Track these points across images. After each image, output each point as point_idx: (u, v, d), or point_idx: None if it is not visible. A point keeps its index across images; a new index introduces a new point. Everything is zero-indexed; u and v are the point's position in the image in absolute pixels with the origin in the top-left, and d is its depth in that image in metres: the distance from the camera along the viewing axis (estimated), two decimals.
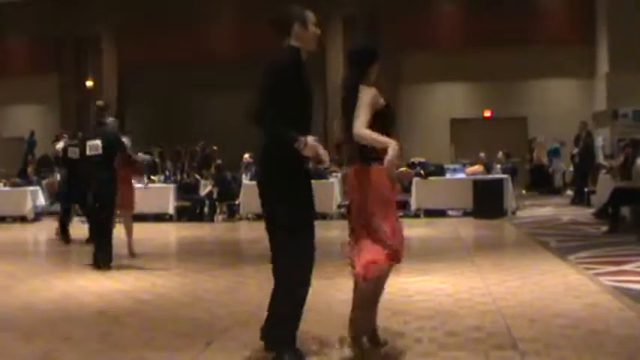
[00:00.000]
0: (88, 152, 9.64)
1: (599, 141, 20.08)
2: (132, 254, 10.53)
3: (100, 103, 10.45)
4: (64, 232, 13.13)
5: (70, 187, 13.22)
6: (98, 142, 9.54)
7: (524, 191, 22.07)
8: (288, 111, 4.56)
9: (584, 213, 15.48)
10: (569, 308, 6.30)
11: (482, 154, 18.67)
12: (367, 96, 4.91)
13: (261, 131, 4.65)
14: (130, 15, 25.74)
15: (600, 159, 18.58)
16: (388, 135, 4.86)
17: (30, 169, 21.26)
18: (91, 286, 8.28)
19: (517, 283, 7.62)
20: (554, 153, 22.53)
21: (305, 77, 4.76)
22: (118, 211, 10.50)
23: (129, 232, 10.74)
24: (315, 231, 4.79)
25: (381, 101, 5.01)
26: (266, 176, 4.77)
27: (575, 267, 8.58)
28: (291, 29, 4.78)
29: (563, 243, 10.91)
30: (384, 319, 5.94)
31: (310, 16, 4.85)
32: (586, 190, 17.86)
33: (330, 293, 7.08)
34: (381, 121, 4.95)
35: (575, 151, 19.28)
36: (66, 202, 13.59)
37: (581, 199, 18.05)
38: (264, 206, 4.82)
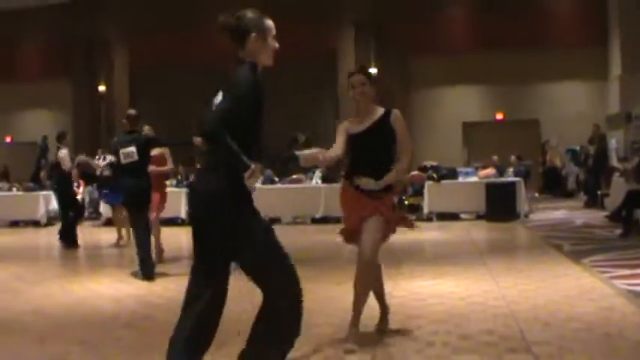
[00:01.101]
0: (122, 160, 9.52)
1: (613, 143, 19.99)
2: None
3: (131, 111, 10.24)
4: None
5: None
6: (133, 148, 9.46)
7: (537, 194, 22.01)
8: (241, 135, 3.90)
9: (598, 216, 15.40)
10: (583, 312, 6.26)
11: (494, 157, 18.63)
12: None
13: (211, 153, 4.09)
14: (140, 19, 25.81)
15: (614, 162, 18.48)
16: (360, 160, 5.50)
17: (42, 174, 21.34)
18: (104, 291, 8.30)
19: (530, 286, 7.59)
20: (573, 154, 22.40)
21: (262, 99, 4.07)
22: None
23: (156, 236, 10.69)
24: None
25: (349, 129, 5.54)
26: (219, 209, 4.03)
27: (589, 270, 8.54)
28: (246, 40, 4.13)
29: (576, 246, 10.86)
30: (397, 323, 5.94)
31: (270, 26, 4.22)
32: (599, 193, 17.77)
33: (344, 298, 7.05)
34: (350, 147, 5.52)
35: (590, 151, 19.20)
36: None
37: (594, 202, 17.97)
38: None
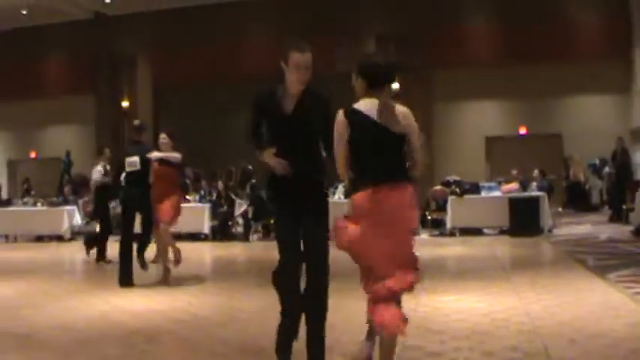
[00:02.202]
0: (126, 168, 10.07)
1: (638, 157, 19.81)
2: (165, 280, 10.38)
3: (136, 122, 10.95)
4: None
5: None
6: (136, 158, 9.99)
7: (560, 209, 21.85)
8: (269, 138, 5.13)
9: (623, 230, 15.28)
10: (609, 328, 6.19)
11: (514, 171, 18.54)
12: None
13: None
14: (164, 35, 26.02)
15: (638, 175, 18.33)
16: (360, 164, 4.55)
17: (67, 189, 21.50)
18: (127, 305, 8.32)
19: (555, 302, 7.51)
20: (594, 168, 22.27)
21: (278, 111, 5.00)
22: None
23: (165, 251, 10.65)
24: (289, 250, 5.13)
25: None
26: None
27: (615, 285, 8.45)
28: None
29: (601, 261, 10.76)
30: (420, 338, 5.90)
31: (292, 57, 4.86)
32: (624, 207, 17.62)
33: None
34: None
35: (611, 166, 19.05)
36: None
37: (619, 216, 17.82)
38: None
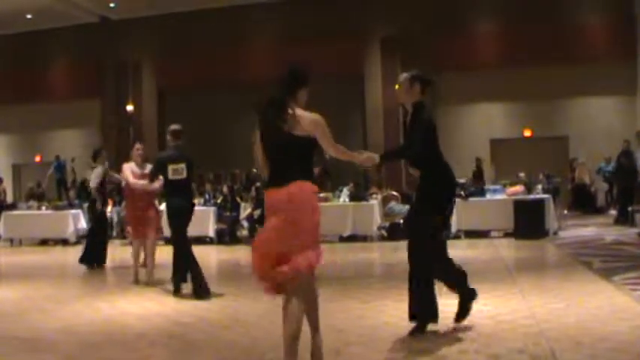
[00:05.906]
0: (170, 176, 9.23)
1: None
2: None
3: (175, 126, 9.64)
4: None
5: None
6: (183, 165, 9.25)
7: (566, 211, 21.82)
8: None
9: (629, 233, 15.23)
10: (616, 331, 6.16)
11: (522, 174, 18.50)
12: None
13: None
14: (169, 40, 26.06)
15: None
16: None
17: (71, 193, 21.52)
18: (132, 309, 8.32)
19: (561, 304, 7.49)
20: (604, 174, 22.27)
21: None
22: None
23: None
24: None
25: None
26: None
27: (621, 288, 8.41)
28: None
29: (607, 264, 10.72)
30: (426, 341, 5.89)
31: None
32: (630, 209, 17.57)
33: (374, 316, 7.02)
34: None
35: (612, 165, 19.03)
36: None
37: (625, 218, 17.77)
38: None
